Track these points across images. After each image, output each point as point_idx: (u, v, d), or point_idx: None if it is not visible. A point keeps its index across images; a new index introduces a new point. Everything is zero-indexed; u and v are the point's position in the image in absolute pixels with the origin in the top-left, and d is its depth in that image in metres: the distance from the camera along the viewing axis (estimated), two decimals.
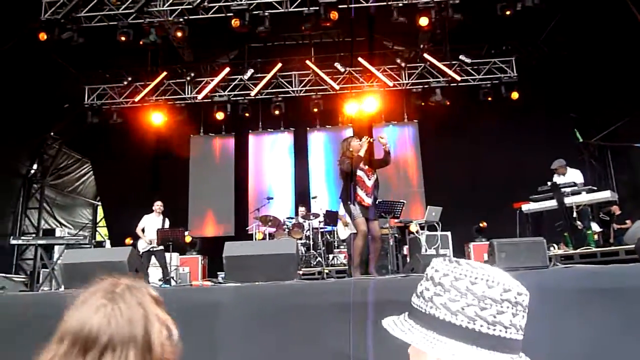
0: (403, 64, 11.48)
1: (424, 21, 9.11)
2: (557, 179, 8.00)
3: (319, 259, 8.80)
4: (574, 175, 8.00)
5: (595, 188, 7.20)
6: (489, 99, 11.31)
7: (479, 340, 0.88)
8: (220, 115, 11.97)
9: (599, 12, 9.07)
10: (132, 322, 0.98)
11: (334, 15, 8.99)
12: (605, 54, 9.67)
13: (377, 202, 5.99)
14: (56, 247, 9.85)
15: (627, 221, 9.31)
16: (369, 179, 5.83)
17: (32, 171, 12.69)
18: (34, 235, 11.90)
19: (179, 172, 12.36)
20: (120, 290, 1.02)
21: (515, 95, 11.20)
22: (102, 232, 14.66)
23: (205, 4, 9.38)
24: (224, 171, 12.62)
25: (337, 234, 8.79)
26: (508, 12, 8.96)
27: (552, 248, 6.78)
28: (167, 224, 8.59)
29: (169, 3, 9.43)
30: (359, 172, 5.77)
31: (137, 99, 11.59)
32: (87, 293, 1.03)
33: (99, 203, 14.60)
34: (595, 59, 10.02)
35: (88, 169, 14.23)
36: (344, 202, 5.89)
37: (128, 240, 9.82)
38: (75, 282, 4.20)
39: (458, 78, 11.29)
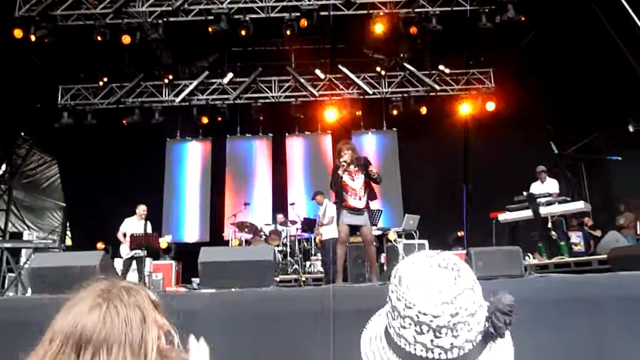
0: (383, 72, 11.60)
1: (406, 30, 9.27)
2: (536, 185, 8.20)
3: (295, 266, 8.77)
4: (551, 185, 8.23)
5: (569, 199, 7.39)
6: (467, 108, 11.52)
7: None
8: (198, 119, 11.86)
9: (575, 26, 9.34)
10: (129, 324, 0.95)
11: (303, 23, 9.08)
12: (580, 67, 9.95)
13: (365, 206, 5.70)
14: (23, 251, 9.55)
15: (597, 230, 9.57)
16: (354, 180, 5.56)
17: (0, 172, 12.33)
18: (0, 238, 11.54)
19: (154, 176, 12.18)
20: (117, 291, 0.99)
21: (492, 105, 11.43)
22: None
23: (186, 6, 9.32)
24: (200, 176, 12.50)
25: (315, 238, 8.81)
26: (489, 25, 9.14)
27: (527, 258, 6.90)
28: (149, 229, 8.40)
29: (148, 4, 9.34)
30: (344, 177, 5.56)
31: (112, 100, 11.41)
32: (82, 293, 1.00)
33: None
34: (570, 72, 10.29)
35: (58, 170, 13.90)
36: (336, 205, 5.75)
37: (100, 245, 9.62)
38: (42, 287, 4.08)
39: (437, 87, 11.47)
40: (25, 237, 11.52)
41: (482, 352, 0.91)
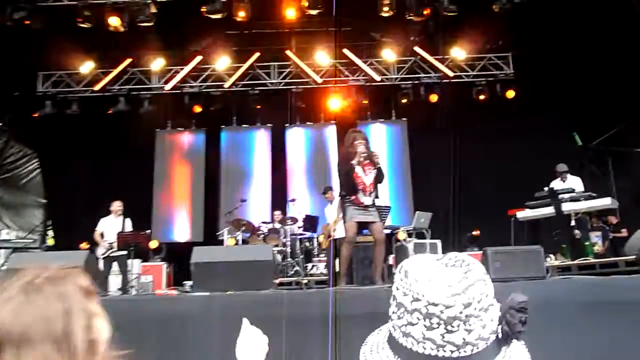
0: (392, 58, 11.57)
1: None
2: (557, 184, 8.16)
3: (296, 267, 8.78)
4: (574, 183, 8.18)
5: (595, 195, 7.36)
6: (483, 97, 11.47)
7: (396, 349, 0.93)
8: (190, 108, 11.85)
9: (602, 8, 9.27)
10: (48, 317, 0.95)
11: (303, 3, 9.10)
12: (607, 51, 9.88)
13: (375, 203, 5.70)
14: (2, 251, 9.60)
15: (623, 230, 9.54)
16: (367, 175, 5.52)
17: None
18: None
19: (142, 170, 12.18)
20: (40, 281, 0.99)
21: (511, 93, 11.37)
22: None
23: None
24: (193, 170, 12.50)
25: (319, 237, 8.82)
26: (507, 6, 9.10)
27: (548, 259, 6.90)
28: (128, 226, 8.44)
29: None
30: (356, 168, 5.51)
31: (97, 87, 11.41)
32: (4, 283, 1.00)
33: None
34: (597, 57, 10.22)
35: (39, 164, 13.91)
36: (341, 200, 5.74)
37: (84, 245, 9.64)
38: None
39: (451, 74, 11.42)
40: (3, 236, 11.56)
41: (497, 357, 0.92)
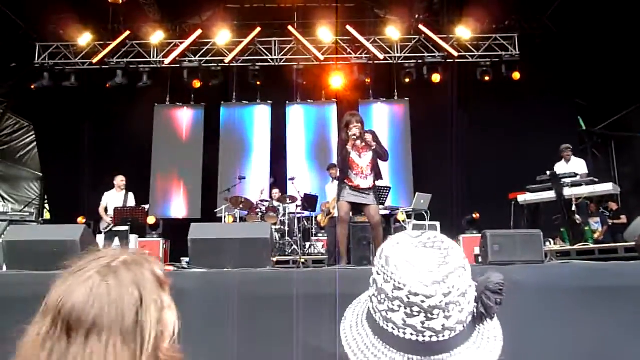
0: (396, 35, 11.44)
1: None
2: (560, 165, 8.14)
3: (294, 246, 8.80)
4: (578, 165, 8.15)
5: (597, 180, 7.34)
6: (488, 78, 11.37)
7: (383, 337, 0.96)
8: (189, 83, 11.75)
9: None
10: (121, 304, 0.91)
11: None
12: (615, 36, 9.77)
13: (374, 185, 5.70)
14: None
15: (622, 217, 9.56)
16: (361, 157, 5.56)
17: None
18: None
19: (141, 145, 12.12)
20: (116, 264, 0.95)
21: (516, 75, 11.26)
22: None
23: None
24: (191, 146, 12.44)
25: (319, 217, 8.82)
26: None
27: (547, 243, 6.91)
28: (131, 201, 8.47)
29: None
30: (351, 152, 5.54)
31: (95, 60, 11.31)
32: (81, 262, 0.96)
33: None
34: (604, 41, 10.12)
35: (35, 137, 13.86)
36: (338, 182, 5.77)
37: (81, 219, 9.67)
38: (18, 261, 4.09)
39: (455, 54, 11.32)
40: (0, 209, 11.60)
41: (472, 335, 0.95)
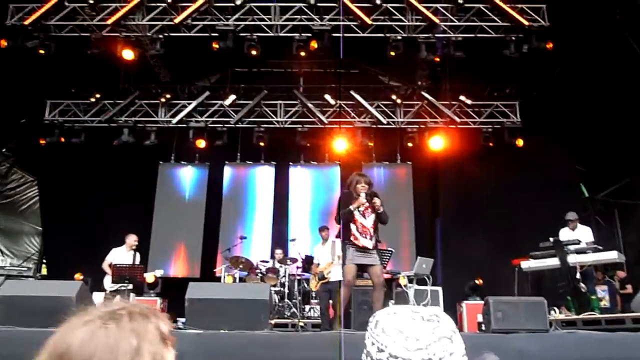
0: (399, 101, 11.72)
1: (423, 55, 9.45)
2: (565, 233, 8.10)
3: (293, 309, 8.66)
4: (584, 232, 8.10)
5: (601, 248, 7.30)
6: (490, 144, 11.53)
7: None
8: (195, 143, 11.94)
9: (609, 59, 9.42)
10: (116, 349, 0.91)
11: (313, 45, 9.31)
12: (614, 103, 9.98)
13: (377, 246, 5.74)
14: None
15: (628, 286, 9.41)
16: (366, 218, 5.62)
17: None
18: None
19: (143, 202, 12.18)
20: (121, 313, 0.97)
21: (520, 142, 11.39)
22: None
23: (189, 21, 9.54)
24: (194, 204, 12.49)
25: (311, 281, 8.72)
26: (515, 54, 9.28)
27: (552, 312, 6.79)
28: (138, 261, 8.36)
29: (148, 17, 9.58)
30: (355, 212, 5.59)
31: (103, 118, 11.56)
32: (92, 308, 0.99)
33: None
34: (604, 108, 10.32)
35: (39, 191, 13.95)
36: (342, 242, 5.74)
37: (78, 276, 9.56)
38: (14, 317, 4.04)
39: (457, 120, 11.54)
40: None
41: None
